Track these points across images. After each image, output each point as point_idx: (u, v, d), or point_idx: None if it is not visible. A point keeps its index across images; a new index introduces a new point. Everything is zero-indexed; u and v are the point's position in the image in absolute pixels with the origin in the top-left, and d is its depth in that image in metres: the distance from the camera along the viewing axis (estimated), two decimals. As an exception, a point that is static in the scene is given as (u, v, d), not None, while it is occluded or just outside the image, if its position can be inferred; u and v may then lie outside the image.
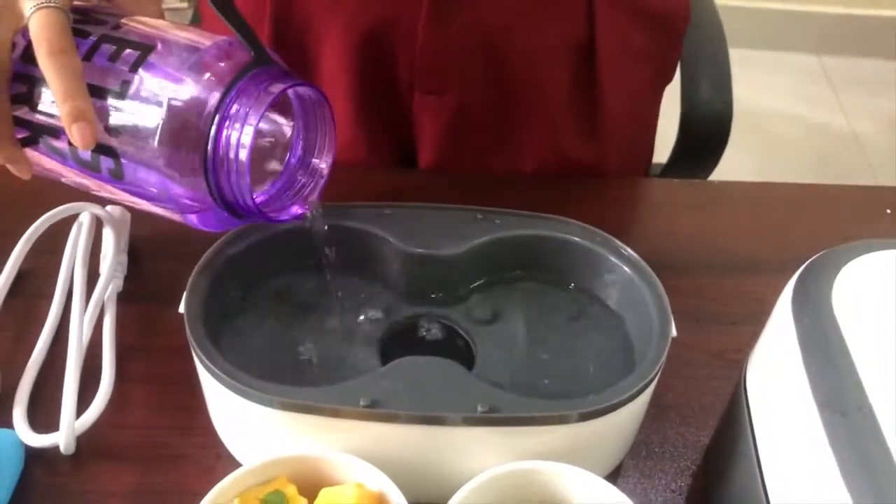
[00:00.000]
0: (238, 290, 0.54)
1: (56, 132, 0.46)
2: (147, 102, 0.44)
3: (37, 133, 0.47)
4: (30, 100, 0.47)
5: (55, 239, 0.61)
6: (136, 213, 0.62)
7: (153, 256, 0.64)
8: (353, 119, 0.73)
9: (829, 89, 2.24)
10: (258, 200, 0.47)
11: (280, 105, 0.49)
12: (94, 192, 0.50)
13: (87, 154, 0.46)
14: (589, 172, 0.76)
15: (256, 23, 0.69)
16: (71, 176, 0.49)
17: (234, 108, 0.44)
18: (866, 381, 0.36)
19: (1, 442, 0.50)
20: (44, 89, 0.46)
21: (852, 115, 2.16)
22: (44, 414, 0.52)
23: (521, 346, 0.53)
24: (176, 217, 0.48)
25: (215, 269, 0.52)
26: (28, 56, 0.45)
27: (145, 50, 0.45)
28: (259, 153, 0.50)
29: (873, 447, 0.34)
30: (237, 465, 0.49)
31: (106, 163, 0.46)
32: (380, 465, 0.44)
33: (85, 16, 0.48)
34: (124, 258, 0.62)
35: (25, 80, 0.47)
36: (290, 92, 0.47)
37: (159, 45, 0.46)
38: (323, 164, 0.50)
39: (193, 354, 0.48)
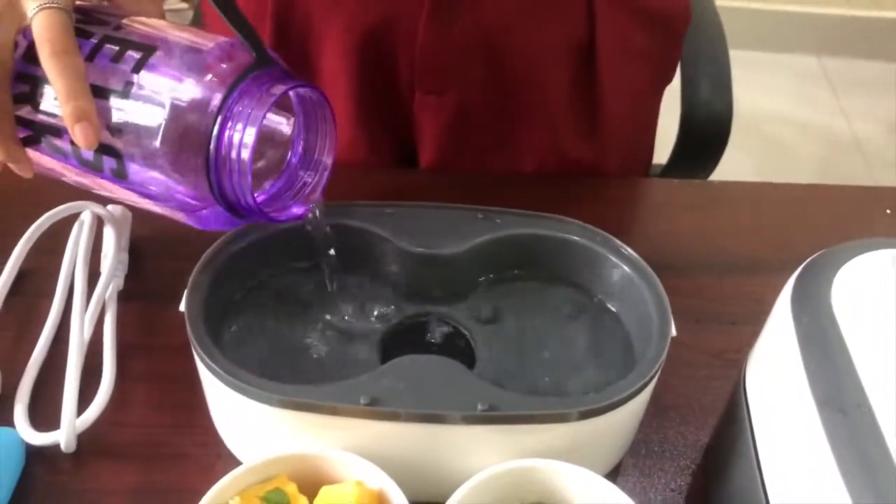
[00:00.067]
0: (239, 288, 0.54)
1: (58, 132, 0.46)
2: (150, 103, 0.44)
3: (39, 132, 0.47)
4: (32, 99, 0.47)
5: (56, 238, 0.62)
6: (137, 212, 0.63)
7: (154, 255, 0.64)
8: (354, 119, 0.73)
9: (829, 91, 2.24)
10: (259, 200, 0.47)
11: (281, 105, 0.49)
12: (95, 192, 0.50)
13: (89, 154, 0.46)
14: (589, 172, 0.76)
15: (258, 22, 0.69)
16: (72, 175, 0.49)
17: (237, 108, 0.44)
18: (865, 379, 0.36)
19: (2, 440, 0.50)
20: (46, 89, 0.46)
21: (853, 117, 2.16)
22: (45, 412, 0.52)
23: (521, 344, 0.53)
24: (177, 216, 0.48)
25: (216, 267, 0.52)
26: (30, 56, 0.46)
27: (148, 50, 0.46)
28: (260, 153, 0.50)
29: (872, 445, 0.34)
30: (237, 463, 0.49)
31: (108, 162, 0.46)
32: (380, 464, 0.44)
33: (87, 16, 0.48)
34: (125, 257, 0.62)
35: (28, 80, 0.47)
36: (291, 93, 0.48)
37: (161, 46, 0.46)
38: (324, 164, 0.51)
39: (194, 353, 0.48)
